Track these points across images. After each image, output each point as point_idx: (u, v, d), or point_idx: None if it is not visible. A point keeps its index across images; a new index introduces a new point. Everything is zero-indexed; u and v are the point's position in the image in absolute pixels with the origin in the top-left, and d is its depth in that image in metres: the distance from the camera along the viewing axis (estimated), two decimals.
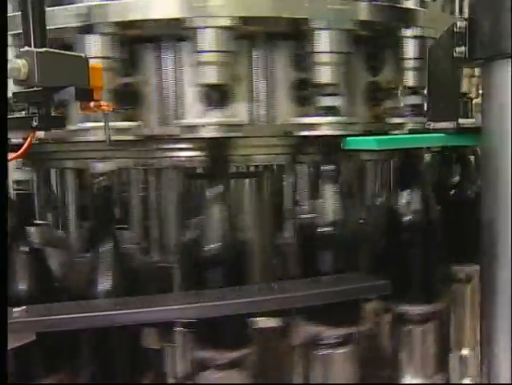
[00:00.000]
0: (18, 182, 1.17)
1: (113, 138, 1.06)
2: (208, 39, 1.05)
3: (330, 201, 1.17)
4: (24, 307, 1.04)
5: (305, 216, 1.21)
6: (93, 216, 1.21)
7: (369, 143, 1.11)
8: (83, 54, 1.00)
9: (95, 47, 1.07)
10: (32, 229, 1.20)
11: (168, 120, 1.17)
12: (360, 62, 1.25)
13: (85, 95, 0.97)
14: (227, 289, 1.09)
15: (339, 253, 1.17)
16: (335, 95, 1.14)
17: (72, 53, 0.99)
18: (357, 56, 1.22)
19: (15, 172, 1.17)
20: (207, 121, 1.10)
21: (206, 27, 1.05)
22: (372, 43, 1.25)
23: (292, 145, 1.20)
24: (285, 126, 1.19)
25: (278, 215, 1.28)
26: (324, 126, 1.13)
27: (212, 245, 1.10)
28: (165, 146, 1.17)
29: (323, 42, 1.11)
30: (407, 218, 1.24)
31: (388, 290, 1.12)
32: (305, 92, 1.18)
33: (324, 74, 1.12)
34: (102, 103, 1.00)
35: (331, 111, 1.14)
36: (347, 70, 1.14)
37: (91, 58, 1.02)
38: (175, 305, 1.06)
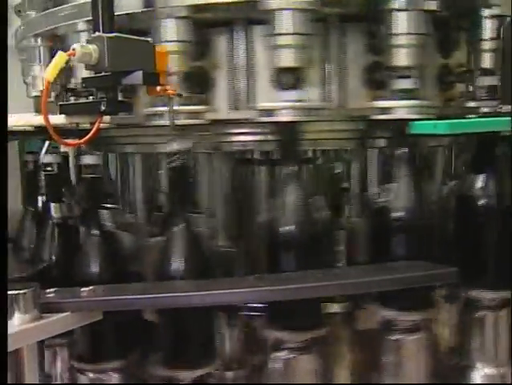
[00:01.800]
0: (88, 166, 1.20)
1: (187, 122, 1.07)
2: (285, 22, 1.03)
3: (401, 186, 1.14)
4: (91, 287, 1.08)
5: (376, 200, 1.19)
6: (167, 196, 1.22)
7: (440, 127, 1.06)
8: (149, 39, 1.01)
9: (170, 31, 1.07)
10: (103, 213, 1.23)
11: (239, 104, 1.16)
12: (434, 44, 1.19)
13: (152, 79, 0.98)
14: (295, 273, 1.08)
15: (411, 238, 1.14)
16: (411, 77, 1.10)
17: (139, 38, 1.00)
18: (431, 38, 1.17)
19: (86, 157, 1.20)
20: (283, 105, 1.08)
21: (284, 9, 1.03)
22: (448, 24, 1.19)
23: (362, 130, 1.18)
24: (359, 110, 1.16)
25: (348, 200, 1.26)
26: (400, 109, 1.10)
27: (283, 228, 1.10)
28: (236, 130, 1.16)
29: (401, 23, 1.06)
30: (481, 204, 1.19)
31: (456, 278, 1.09)
32: (379, 75, 1.15)
33: (402, 57, 1.08)
34: (167, 87, 1.01)
35: (406, 94, 1.10)
36: (423, 53, 1.10)
37: (166, 42, 1.04)
38: (244, 288, 1.06)
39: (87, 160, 1.20)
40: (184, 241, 1.12)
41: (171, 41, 1.05)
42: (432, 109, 1.13)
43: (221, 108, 1.15)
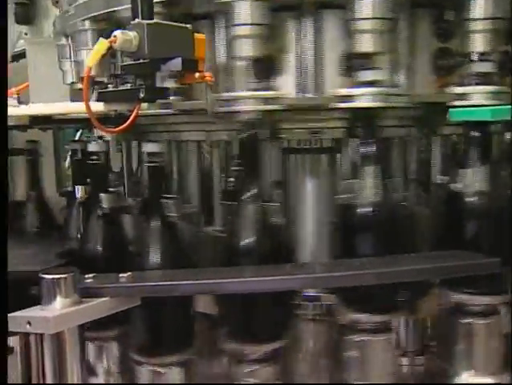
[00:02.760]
0: (151, 154, 1.18)
1: (256, 108, 1.07)
2: (365, 7, 1.03)
3: (474, 171, 1.14)
4: (130, 273, 1.09)
5: (447, 186, 1.19)
6: (240, 168, 1.19)
7: (483, 113, 1.04)
8: (188, 25, 1.00)
9: (244, 14, 1.06)
10: (164, 202, 1.21)
11: (308, 90, 1.15)
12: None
13: (191, 65, 0.98)
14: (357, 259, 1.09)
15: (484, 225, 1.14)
16: (487, 62, 1.10)
17: (179, 24, 1.00)
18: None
19: (148, 145, 1.18)
20: (361, 91, 1.08)
21: None
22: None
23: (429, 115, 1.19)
24: (430, 96, 1.17)
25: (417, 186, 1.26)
26: (476, 95, 1.11)
27: (363, 209, 1.11)
28: (304, 116, 1.16)
29: (478, 8, 1.06)
30: None
31: (497, 268, 1.07)
32: (449, 61, 1.15)
33: (479, 42, 1.08)
34: (206, 74, 1.01)
35: (484, 79, 1.11)
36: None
37: (241, 25, 1.05)
38: (305, 274, 1.07)
39: (150, 147, 1.17)
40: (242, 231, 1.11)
41: (245, 24, 1.05)
42: (506, 95, 1.11)
43: (291, 94, 1.14)
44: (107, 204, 1.28)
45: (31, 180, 1.76)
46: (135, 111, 1.01)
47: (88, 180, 1.36)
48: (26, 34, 1.68)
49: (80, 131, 2.11)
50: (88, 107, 0.95)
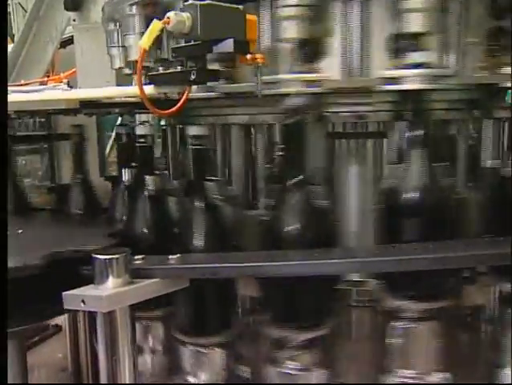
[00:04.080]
0: (195, 137, 1.17)
1: (301, 91, 1.05)
2: None
3: None
4: (179, 255, 1.09)
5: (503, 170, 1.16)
6: (284, 152, 1.17)
7: None
8: (240, 6, 1.00)
9: None
10: (208, 185, 1.21)
11: (353, 73, 1.13)
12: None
13: (242, 47, 0.97)
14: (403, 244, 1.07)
15: None
16: None
17: (231, 5, 0.99)
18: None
19: (193, 128, 1.18)
20: (410, 72, 1.06)
21: None
22: None
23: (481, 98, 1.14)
24: (482, 78, 1.12)
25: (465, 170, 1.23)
26: None
27: (408, 195, 1.08)
28: (349, 100, 1.14)
29: None
30: None
31: None
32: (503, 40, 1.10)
33: None
34: (257, 55, 1.00)
35: None
36: None
37: (287, 6, 1.04)
38: (352, 258, 1.06)
39: (195, 130, 1.17)
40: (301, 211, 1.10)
41: (291, 5, 1.04)
42: None
43: (336, 77, 1.12)
44: (153, 187, 1.29)
45: (76, 164, 1.79)
46: (185, 94, 1.01)
47: (134, 162, 1.38)
48: (74, 20, 1.70)
49: (122, 116, 2.15)
50: (142, 89, 0.95)
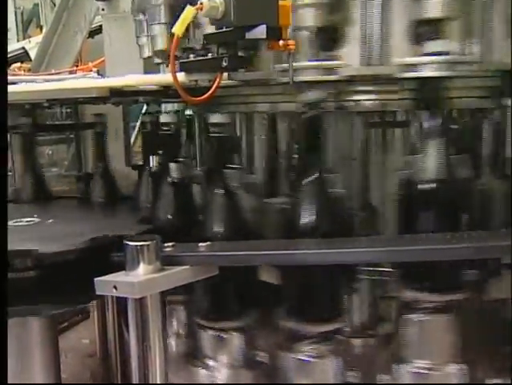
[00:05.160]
0: (215, 125, 1.18)
1: (319, 78, 1.04)
2: None
3: None
4: (209, 243, 1.10)
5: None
6: (300, 149, 1.18)
7: None
8: None
9: None
10: (227, 172, 1.22)
11: (372, 60, 1.10)
12: None
13: (275, 33, 0.96)
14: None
15: None
16: None
17: None
18: None
19: (214, 116, 1.18)
20: (427, 59, 1.04)
21: None
22: None
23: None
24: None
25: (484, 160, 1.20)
26: None
27: (424, 186, 1.07)
28: (367, 88, 1.12)
29: None
30: None
31: None
32: None
33: None
34: (289, 42, 0.99)
35: None
36: None
37: None
38: (372, 247, 1.05)
39: (215, 118, 1.17)
40: (316, 200, 1.09)
41: None
42: None
43: (355, 64, 1.10)
44: (177, 174, 1.29)
45: (98, 153, 1.79)
46: (217, 80, 1.01)
47: (159, 150, 1.39)
48: (103, 9, 1.71)
49: (148, 105, 2.16)
50: (175, 76, 0.95)
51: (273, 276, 1.17)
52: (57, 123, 2.05)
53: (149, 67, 1.52)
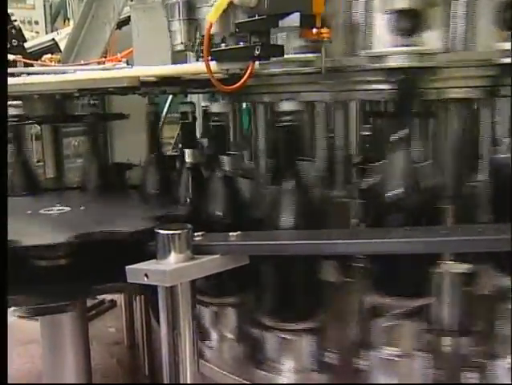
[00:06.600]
0: (215, 114, 1.18)
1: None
2: None
3: None
4: (239, 232, 1.09)
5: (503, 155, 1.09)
6: (280, 151, 1.17)
7: None
8: None
9: None
10: (225, 159, 1.22)
11: (355, 51, 1.09)
12: None
13: (309, 21, 0.95)
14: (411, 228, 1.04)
15: None
16: None
17: None
18: None
19: (214, 105, 1.19)
20: (397, 50, 1.02)
21: None
22: None
23: (490, 76, 1.07)
24: (485, 53, 1.04)
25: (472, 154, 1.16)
26: None
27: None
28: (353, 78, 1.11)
29: None
30: None
31: None
32: None
33: None
34: (323, 30, 0.98)
35: None
36: None
37: None
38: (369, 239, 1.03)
39: (215, 107, 1.18)
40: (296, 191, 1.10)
41: None
42: None
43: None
44: (227, 167, 1.25)
45: (151, 143, 1.78)
46: (249, 69, 1.00)
47: (208, 141, 1.37)
48: (131, 0, 1.72)
49: (174, 96, 2.16)
50: (208, 65, 0.95)
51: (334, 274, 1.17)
52: (85, 114, 2.06)
53: (178, 58, 1.52)
